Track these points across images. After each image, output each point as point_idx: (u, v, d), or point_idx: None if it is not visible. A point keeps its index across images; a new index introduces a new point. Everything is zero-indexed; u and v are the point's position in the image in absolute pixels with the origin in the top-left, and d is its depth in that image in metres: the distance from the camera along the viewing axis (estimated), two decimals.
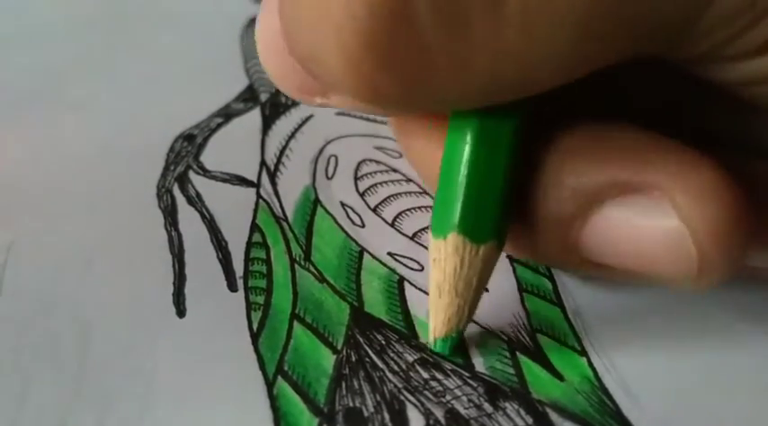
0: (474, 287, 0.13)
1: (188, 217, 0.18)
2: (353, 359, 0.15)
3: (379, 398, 0.14)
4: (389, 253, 0.17)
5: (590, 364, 0.15)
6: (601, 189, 0.12)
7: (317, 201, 0.19)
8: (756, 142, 0.14)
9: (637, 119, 0.13)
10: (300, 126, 0.21)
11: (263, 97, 0.23)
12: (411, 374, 0.14)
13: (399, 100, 0.11)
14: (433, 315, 0.14)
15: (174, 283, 0.16)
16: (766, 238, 0.13)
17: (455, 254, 0.13)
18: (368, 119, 0.21)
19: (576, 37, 0.10)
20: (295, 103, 0.23)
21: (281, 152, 0.21)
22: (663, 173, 0.12)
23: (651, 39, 0.11)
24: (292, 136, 0.21)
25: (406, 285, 0.16)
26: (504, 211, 0.13)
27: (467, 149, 0.12)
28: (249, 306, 0.16)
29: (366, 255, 0.17)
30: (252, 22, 0.27)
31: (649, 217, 0.12)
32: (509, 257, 0.17)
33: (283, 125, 0.22)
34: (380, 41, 0.10)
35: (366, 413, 0.14)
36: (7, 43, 0.26)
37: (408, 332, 0.15)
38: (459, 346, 0.14)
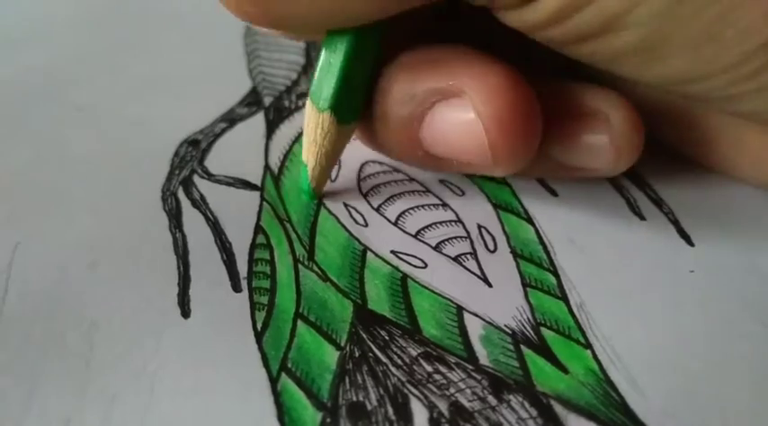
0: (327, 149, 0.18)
1: (192, 220, 0.18)
2: (357, 354, 0.15)
3: (382, 392, 0.14)
4: (392, 251, 0.17)
5: (594, 357, 0.15)
6: (428, 94, 0.16)
7: (320, 203, 0.19)
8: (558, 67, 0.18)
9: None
10: None
11: (267, 101, 0.23)
12: (414, 367, 0.14)
13: (264, 19, 0.15)
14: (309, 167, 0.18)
15: (178, 284, 0.16)
16: (564, 135, 0.17)
17: (309, 110, 0.18)
18: None
19: None
20: (299, 107, 0.23)
21: (285, 156, 0.21)
22: (467, 79, 0.16)
23: None
24: (296, 140, 0.21)
25: (409, 282, 0.16)
26: (346, 96, 0.17)
27: (338, 55, 0.16)
28: (253, 306, 0.16)
29: (369, 254, 0.17)
30: None
31: (459, 114, 0.16)
32: (512, 252, 0.17)
33: (287, 129, 0.22)
34: None
35: (369, 407, 0.14)
36: (14, 44, 0.26)
37: (412, 327, 0.15)
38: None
